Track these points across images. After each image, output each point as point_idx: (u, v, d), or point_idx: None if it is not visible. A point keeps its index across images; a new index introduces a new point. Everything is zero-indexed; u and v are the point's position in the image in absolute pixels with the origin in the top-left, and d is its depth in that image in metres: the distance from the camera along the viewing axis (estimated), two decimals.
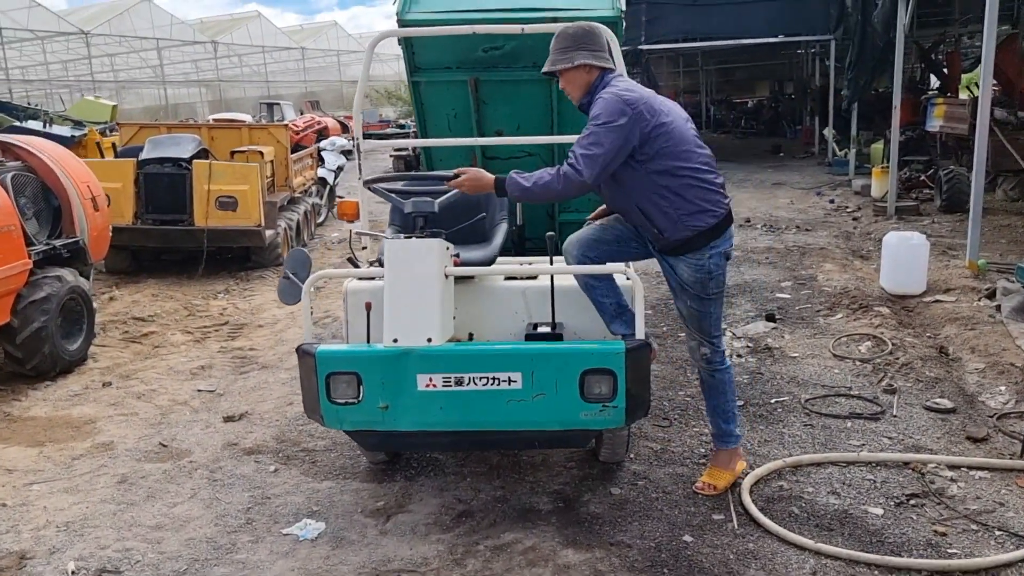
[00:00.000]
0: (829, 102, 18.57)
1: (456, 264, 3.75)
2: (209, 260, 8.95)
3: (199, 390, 5.63)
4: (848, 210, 12.54)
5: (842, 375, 5.60)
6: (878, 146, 15.99)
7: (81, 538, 3.75)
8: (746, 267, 8.82)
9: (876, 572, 3.35)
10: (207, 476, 4.36)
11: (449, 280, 3.66)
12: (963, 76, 17.58)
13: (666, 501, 3.97)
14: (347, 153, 13.72)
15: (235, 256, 9.40)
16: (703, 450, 4.51)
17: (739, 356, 6.02)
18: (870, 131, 18.26)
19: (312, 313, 3.72)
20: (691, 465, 4.34)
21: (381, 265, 3.77)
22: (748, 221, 11.58)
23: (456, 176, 3.67)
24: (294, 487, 4.21)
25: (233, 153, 9.64)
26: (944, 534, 3.62)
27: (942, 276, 7.82)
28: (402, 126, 29.98)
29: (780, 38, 19.09)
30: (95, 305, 6.98)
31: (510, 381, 3.50)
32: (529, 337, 3.93)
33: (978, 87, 10.86)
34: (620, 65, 4.38)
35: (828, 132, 18.95)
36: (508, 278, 4.20)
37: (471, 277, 4.02)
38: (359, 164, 4.68)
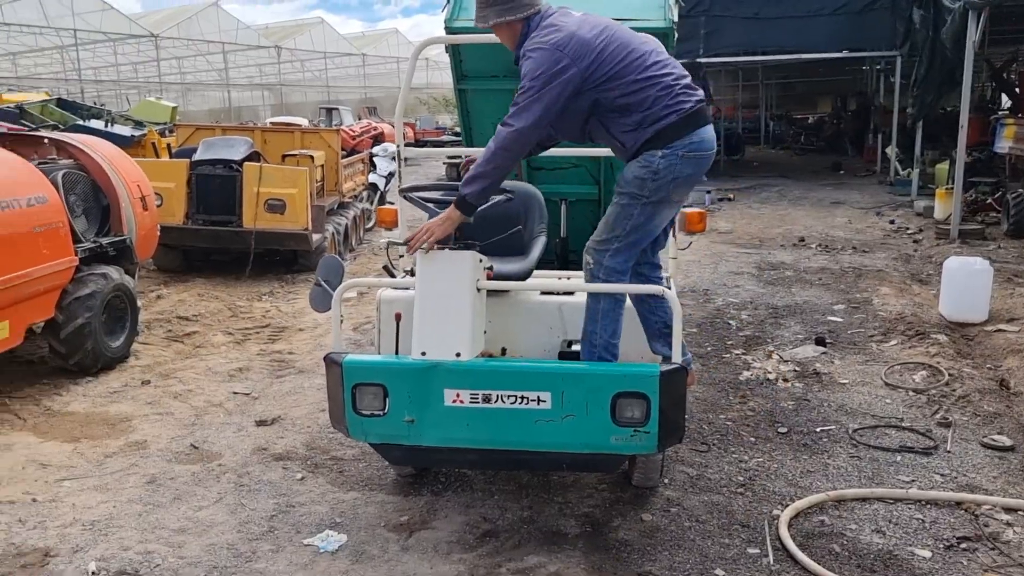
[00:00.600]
0: (893, 120, 18.06)
1: (489, 277, 3.65)
2: (256, 262, 9.02)
3: (235, 392, 5.64)
4: (909, 232, 12.12)
5: (894, 405, 5.35)
6: (943, 166, 15.48)
7: (105, 538, 3.74)
8: (798, 288, 8.55)
9: None
10: (234, 481, 4.33)
11: (481, 294, 3.56)
12: None
13: (699, 531, 3.81)
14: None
15: (282, 258, 9.47)
16: (741, 478, 4.34)
17: (785, 380, 5.80)
18: (936, 151, 17.70)
19: (343, 321, 3.65)
20: (728, 494, 4.17)
21: (414, 275, 3.69)
22: (802, 240, 11.27)
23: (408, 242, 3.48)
24: (319, 496, 4.15)
25: (284, 156, 9.72)
26: None
27: (1006, 305, 7.47)
28: (458, 133, 30.11)
29: (844, 54, 18.64)
30: (142, 303, 7.08)
31: (539, 401, 3.39)
32: (563, 355, 3.83)
33: None
34: None
35: (891, 151, 18.42)
36: (544, 293, 4.10)
37: (506, 290, 3.92)
38: (399, 172, 4.64)
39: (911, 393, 5.53)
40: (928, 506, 4.04)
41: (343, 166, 10.82)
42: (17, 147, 6.04)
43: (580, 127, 3.47)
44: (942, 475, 4.38)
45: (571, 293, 3.96)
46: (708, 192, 16.20)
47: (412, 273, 3.88)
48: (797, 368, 6.05)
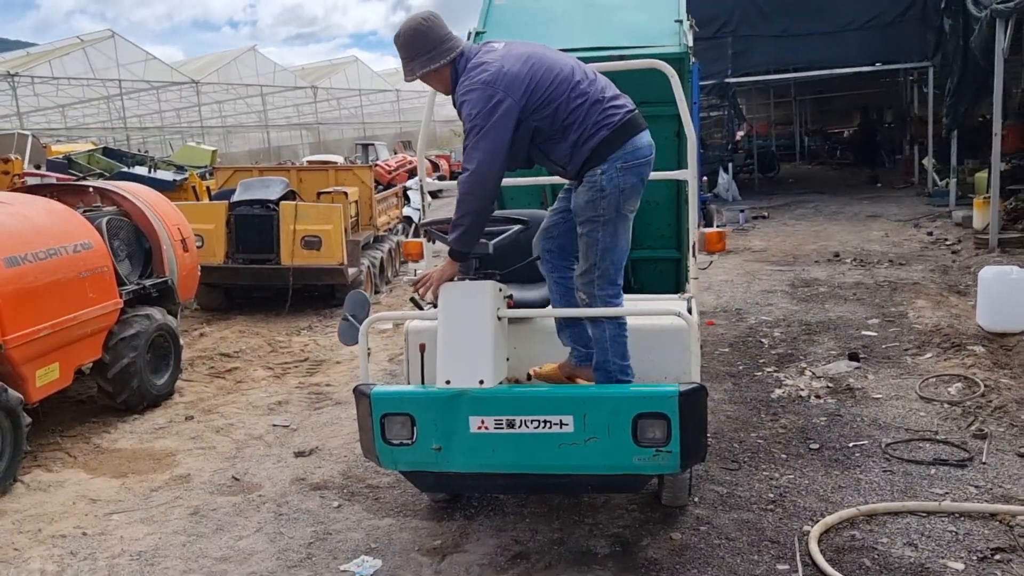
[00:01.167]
0: (928, 130, 17.87)
1: (510, 306, 3.76)
2: (295, 297, 9.25)
3: (274, 425, 5.80)
4: (947, 243, 11.96)
5: (928, 418, 5.31)
6: (982, 175, 15.23)
7: (151, 568, 3.90)
8: (831, 303, 8.51)
9: None
10: (274, 510, 4.47)
11: (503, 322, 3.67)
12: None
13: (728, 548, 3.84)
14: (433, 193, 14.01)
15: (320, 293, 9.69)
16: (772, 495, 4.35)
17: (818, 397, 5.79)
18: (976, 160, 17.45)
19: (370, 353, 3.79)
20: (758, 511, 4.18)
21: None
22: (837, 256, 11.19)
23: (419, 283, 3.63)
24: (355, 523, 4.27)
25: (320, 194, 9.99)
26: None
27: None
28: None
29: (875, 66, 18.54)
30: (185, 341, 7.31)
31: (561, 424, 3.47)
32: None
33: None
34: (681, 102, 4.36)
35: (927, 161, 18.20)
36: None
37: (527, 318, 4.03)
38: (423, 206, 4.79)
39: (946, 405, 5.49)
40: (962, 518, 4.01)
41: (377, 201, 11.06)
42: (64, 197, 6.35)
43: (524, 157, 3.56)
44: (977, 487, 4.34)
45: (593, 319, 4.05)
46: (742, 211, 16.18)
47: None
48: (830, 384, 6.04)
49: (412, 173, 24.48)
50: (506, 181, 5.50)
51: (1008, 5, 10.01)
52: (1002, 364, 6.23)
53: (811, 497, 4.32)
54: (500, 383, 3.57)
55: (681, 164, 5.69)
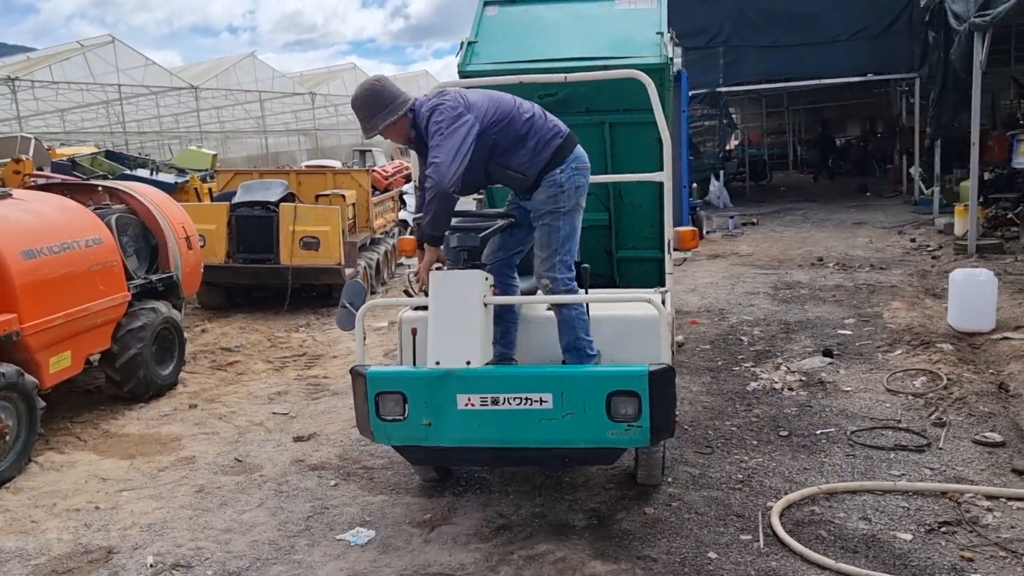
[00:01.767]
0: (915, 140, 18.25)
1: (495, 293, 4.07)
2: (293, 296, 9.54)
3: (274, 413, 6.10)
4: (929, 249, 12.30)
5: (893, 409, 5.62)
6: (967, 184, 15.58)
7: (160, 537, 4.19)
8: (811, 304, 8.83)
9: None
10: (274, 488, 4.76)
11: (489, 308, 3.98)
12: None
13: (697, 521, 4.14)
14: None
15: (318, 292, 9.98)
16: (740, 476, 4.66)
17: (790, 389, 6.10)
18: (963, 169, 17.80)
19: (365, 338, 4.09)
20: (726, 490, 4.49)
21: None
22: (820, 260, 11.53)
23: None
24: (351, 499, 4.56)
25: (318, 197, 10.29)
26: (971, 559, 3.68)
27: (1014, 314, 7.67)
28: None
29: (864, 77, 18.92)
30: (188, 336, 7.60)
31: (542, 401, 3.78)
32: (566, 363, 4.22)
33: None
34: (657, 109, 4.68)
35: (914, 170, 18.57)
36: (550, 308, 4.51)
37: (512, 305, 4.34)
38: (424, 197, 5.10)
39: (910, 397, 5.80)
40: (915, 497, 4.31)
41: (374, 204, 11.37)
42: (75, 195, 6.64)
43: (482, 175, 4.04)
44: (932, 469, 4.65)
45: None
46: (732, 217, 16.53)
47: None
48: (803, 378, 6.35)
49: (408, 179, 24.80)
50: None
51: (984, 19, 10.37)
52: (967, 360, 6.56)
53: (777, 478, 4.63)
54: (486, 364, 3.88)
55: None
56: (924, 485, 4.40)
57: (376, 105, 3.88)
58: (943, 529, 3.96)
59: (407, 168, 27.23)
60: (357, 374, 3.98)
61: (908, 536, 3.91)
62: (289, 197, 9.87)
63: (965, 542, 3.83)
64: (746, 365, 6.77)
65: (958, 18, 12.08)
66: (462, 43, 5.77)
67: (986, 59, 10.93)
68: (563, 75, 4.93)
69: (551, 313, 4.33)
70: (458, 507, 4.40)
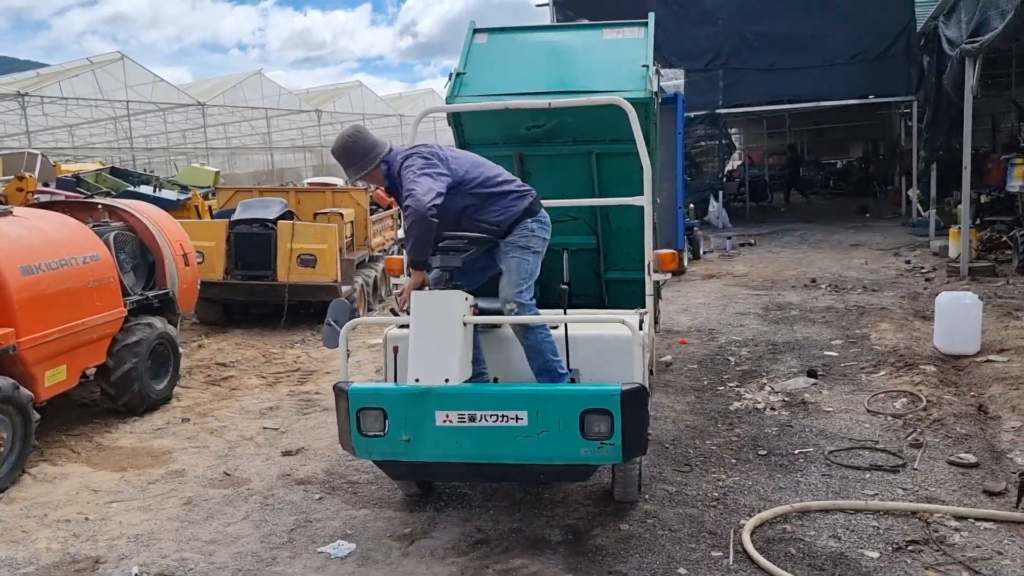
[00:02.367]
0: (913, 162, 18.38)
1: (475, 313, 4.19)
2: (290, 313, 9.67)
3: (265, 427, 6.21)
4: (923, 271, 12.40)
5: (872, 429, 5.71)
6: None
7: (147, 548, 4.29)
8: (800, 325, 8.94)
9: None
10: (260, 501, 4.87)
11: (468, 327, 4.11)
12: None
13: (670, 538, 4.23)
14: None
15: (314, 309, 10.10)
16: (716, 494, 4.75)
17: (773, 409, 6.20)
18: (961, 191, 17.89)
19: (349, 356, 4.22)
20: (701, 507, 4.58)
21: None
22: (814, 281, 11.63)
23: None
24: (334, 513, 4.67)
25: (316, 215, 10.44)
26: None
27: (999, 336, 7.77)
28: None
29: (861, 100, 19.10)
30: (185, 352, 7.74)
31: (517, 418, 3.90)
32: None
33: None
34: (638, 136, 4.82)
35: (912, 192, 18.69)
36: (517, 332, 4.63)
37: (497, 327, 4.47)
38: (404, 226, 5.23)
39: (890, 418, 5.89)
40: (886, 516, 4.40)
41: (373, 222, 11.52)
42: (75, 212, 6.80)
43: (455, 221, 4.30)
44: (905, 489, 4.74)
45: (555, 327, 4.48)
46: (729, 238, 16.66)
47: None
48: (786, 398, 6.44)
49: None
50: None
51: (975, 45, 10.52)
52: (949, 382, 6.64)
53: (752, 496, 4.71)
54: (464, 381, 4.00)
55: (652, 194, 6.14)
56: (895, 504, 4.49)
57: (351, 157, 4.31)
58: (910, 548, 4.04)
59: None
60: (339, 390, 4.10)
61: (875, 554, 3.99)
62: (288, 215, 10.03)
63: (931, 560, 3.92)
64: (731, 385, 6.87)
65: (951, 43, 12.27)
66: (451, 74, 5.90)
67: (978, 84, 11.08)
68: (547, 101, 5.10)
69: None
70: (438, 521, 4.50)
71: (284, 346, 8.94)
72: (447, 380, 3.92)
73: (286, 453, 5.64)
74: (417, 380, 3.94)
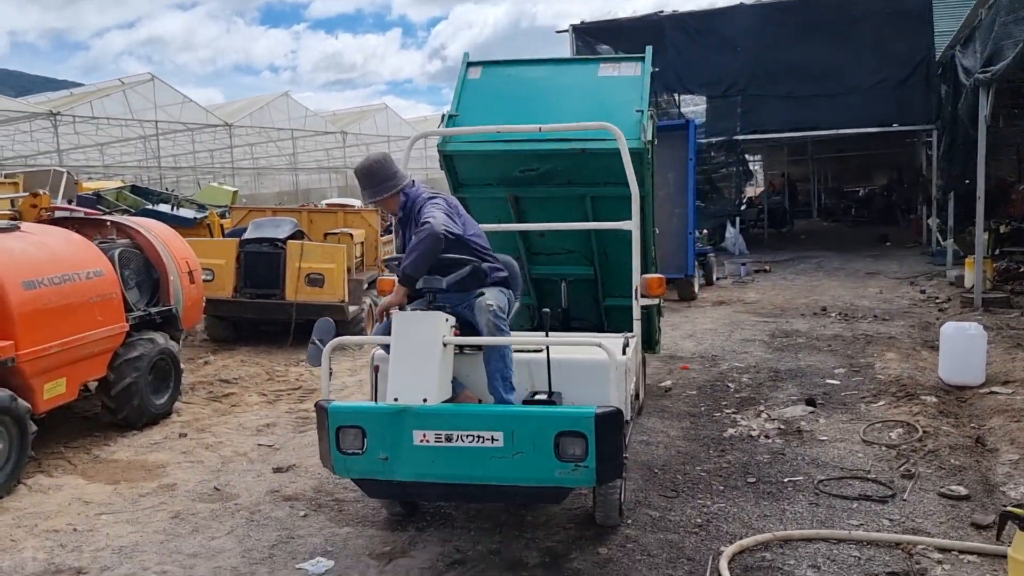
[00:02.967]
0: (932, 191, 18.23)
1: (456, 334, 4.24)
2: (298, 331, 9.75)
3: (259, 444, 6.27)
4: (937, 301, 12.28)
5: (865, 459, 5.66)
6: (984, 237, 15.55)
7: (129, 560, 4.35)
8: (804, 353, 8.87)
9: None
10: (247, 516, 4.92)
11: (448, 348, 4.15)
12: None
13: (647, 563, 4.21)
14: None
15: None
16: (700, 520, 4.73)
17: (767, 437, 6.16)
18: (991, 220, 17.71)
19: (332, 375, 4.27)
20: (683, 533, 4.56)
21: None
22: (824, 310, 11.55)
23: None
24: (317, 530, 4.70)
25: (327, 235, 10.57)
26: None
27: (1005, 368, 7.67)
28: None
29: (880, 128, 19.02)
30: (191, 368, 7.84)
31: (492, 439, 3.92)
32: (527, 403, 4.36)
33: None
34: (628, 166, 4.88)
35: (932, 221, 18.53)
36: (516, 351, 4.68)
37: (482, 349, 4.50)
38: (396, 248, 5.31)
39: (884, 448, 5.83)
40: (869, 547, 4.35)
41: (383, 243, 11.62)
42: (84, 229, 6.96)
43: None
44: (891, 520, 4.69)
45: (539, 351, 4.51)
46: (743, 264, 16.58)
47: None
48: (782, 426, 6.40)
49: None
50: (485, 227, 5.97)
51: (987, 75, 10.48)
52: (948, 413, 6.56)
53: (736, 523, 4.69)
54: (442, 401, 4.04)
55: (646, 229, 6.18)
56: (879, 536, 4.44)
57: (371, 180, 4.47)
58: None
59: None
60: (320, 408, 4.15)
61: None
62: (298, 235, 10.16)
63: None
64: (728, 411, 6.83)
65: (967, 72, 12.21)
66: (443, 116, 5.94)
67: (991, 114, 11.00)
68: (538, 125, 5.16)
69: (520, 356, 4.56)
70: (419, 541, 4.52)
71: (288, 364, 9.03)
72: (425, 400, 3.97)
73: (277, 470, 5.69)
74: (396, 399, 3.99)
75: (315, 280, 9.62)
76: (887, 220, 27.15)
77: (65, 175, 14.96)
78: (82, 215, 8.17)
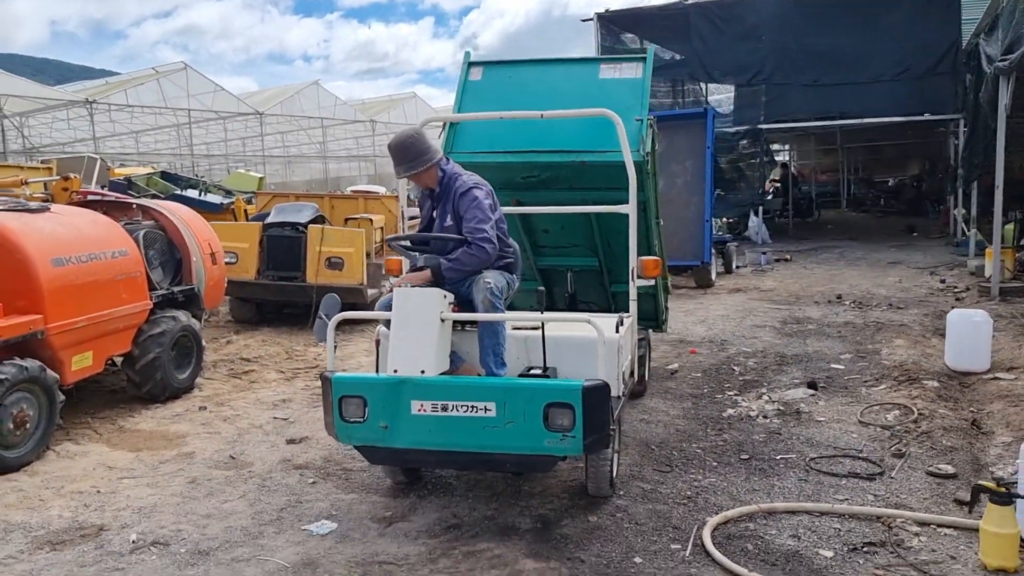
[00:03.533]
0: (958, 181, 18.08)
1: (453, 311, 4.46)
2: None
3: (275, 417, 6.56)
4: (956, 290, 12.26)
5: (860, 439, 5.79)
6: (1009, 227, 15.42)
7: (148, 519, 4.64)
8: (813, 339, 8.98)
9: None
10: (258, 483, 5.19)
11: (446, 323, 4.38)
12: None
13: (634, 531, 4.41)
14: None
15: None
16: (689, 493, 4.91)
17: (765, 417, 6.31)
18: (1013, 210, 17.54)
19: (336, 348, 4.51)
20: (672, 504, 4.74)
21: None
22: (839, 298, 11.60)
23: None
24: (324, 496, 4.96)
25: (347, 220, 10.84)
26: None
27: (1012, 355, 7.73)
28: None
29: (905, 118, 18.89)
30: (212, 347, 8.15)
31: (486, 409, 4.14)
32: (521, 377, 4.57)
33: None
34: (625, 149, 5.05)
35: (958, 212, 18.38)
36: (516, 328, 4.90)
37: (472, 322, 4.71)
38: (403, 228, 5.54)
39: (879, 429, 5.96)
40: (851, 520, 4.51)
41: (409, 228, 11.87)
42: (111, 211, 7.27)
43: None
44: (876, 495, 4.83)
45: (536, 328, 4.71)
46: (764, 253, 16.62)
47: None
48: (781, 407, 6.54)
49: None
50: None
51: (1006, 63, 10.44)
52: (948, 397, 6.66)
53: (724, 496, 4.86)
54: (441, 373, 4.27)
55: (649, 221, 6.34)
56: (859, 509, 4.59)
57: (408, 155, 4.62)
58: (866, 549, 4.15)
59: None
60: (325, 379, 4.40)
61: (830, 554, 4.11)
62: (319, 219, 10.44)
63: (883, 562, 4.03)
64: (730, 393, 6.99)
65: (990, 60, 12.14)
66: (443, 124, 6.08)
67: (1011, 103, 10.96)
68: (539, 112, 5.34)
69: (517, 332, 4.78)
70: (418, 507, 4.76)
71: (307, 344, 9.31)
72: (423, 372, 4.19)
73: (290, 441, 5.97)
74: (396, 371, 4.22)
75: (335, 264, 9.89)
76: (916, 211, 26.91)
77: (99, 161, 15.41)
78: (112, 199, 8.51)
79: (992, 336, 7.75)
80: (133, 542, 4.34)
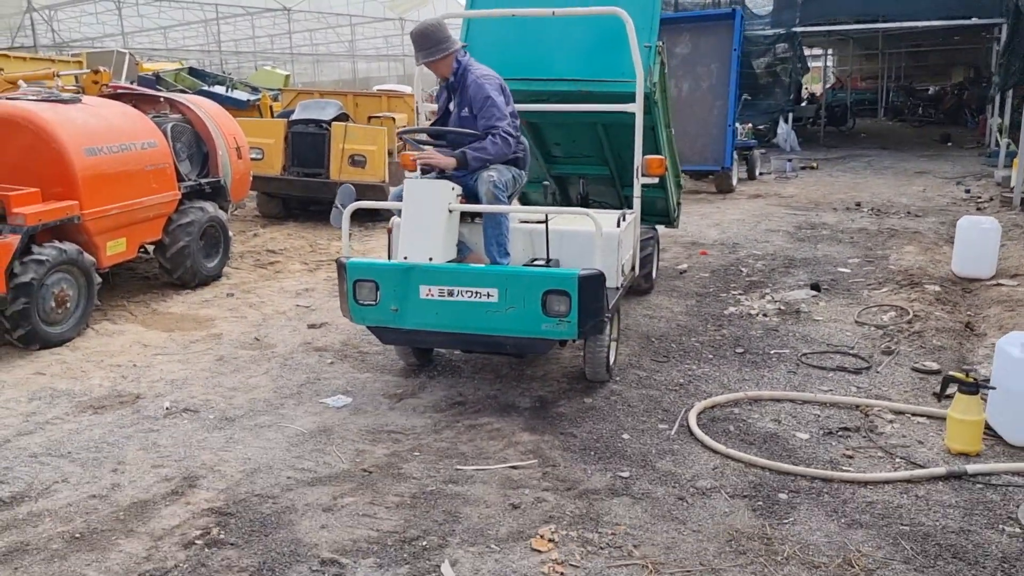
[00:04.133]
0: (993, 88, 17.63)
1: (461, 202, 4.70)
2: None
3: (298, 305, 6.93)
4: (979, 200, 12.22)
5: (853, 338, 6.03)
6: None
7: (179, 390, 5.06)
8: (824, 244, 9.12)
9: (768, 475, 3.99)
10: (281, 362, 5.58)
11: (454, 214, 4.63)
12: None
13: (626, 412, 4.74)
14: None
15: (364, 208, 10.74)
16: (682, 381, 5.21)
17: (765, 315, 6.55)
18: None
19: (358, 241, 4.80)
20: (664, 390, 5.06)
21: None
22: (858, 205, 11.64)
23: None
24: (341, 374, 5.34)
25: (370, 118, 10.98)
26: (851, 457, 4.18)
27: (1019, 263, 7.83)
28: None
29: (945, 22, 18.28)
30: (241, 239, 8.48)
31: (489, 295, 4.42)
32: (525, 266, 4.84)
33: None
34: (634, 47, 5.16)
35: (993, 121, 18.00)
36: (523, 221, 5.14)
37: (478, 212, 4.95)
38: (417, 123, 5.73)
39: (873, 329, 6.19)
40: (831, 408, 4.80)
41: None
42: (140, 104, 7.50)
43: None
44: (859, 388, 5.10)
45: (542, 222, 4.95)
46: (789, 160, 16.51)
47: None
48: (782, 307, 6.77)
49: None
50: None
51: None
52: (946, 301, 6.83)
53: (714, 385, 5.16)
54: (448, 261, 4.55)
55: (658, 138, 6.44)
56: (840, 398, 4.87)
57: (427, 42, 4.81)
58: (840, 433, 4.45)
59: None
60: (340, 264, 4.70)
61: (805, 436, 4.42)
62: (343, 117, 10.60)
63: (854, 444, 4.32)
64: (734, 293, 7.22)
65: None
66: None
67: None
68: (551, 10, 5.43)
69: (523, 226, 5.03)
70: (427, 386, 5.12)
71: (331, 239, 9.64)
72: (431, 259, 4.47)
73: (311, 326, 6.34)
74: (405, 258, 4.50)
75: (358, 161, 10.11)
76: (955, 120, 26.29)
77: (128, 56, 15.54)
78: (140, 92, 8.72)
79: (1003, 245, 7.87)
80: (167, 408, 4.76)
